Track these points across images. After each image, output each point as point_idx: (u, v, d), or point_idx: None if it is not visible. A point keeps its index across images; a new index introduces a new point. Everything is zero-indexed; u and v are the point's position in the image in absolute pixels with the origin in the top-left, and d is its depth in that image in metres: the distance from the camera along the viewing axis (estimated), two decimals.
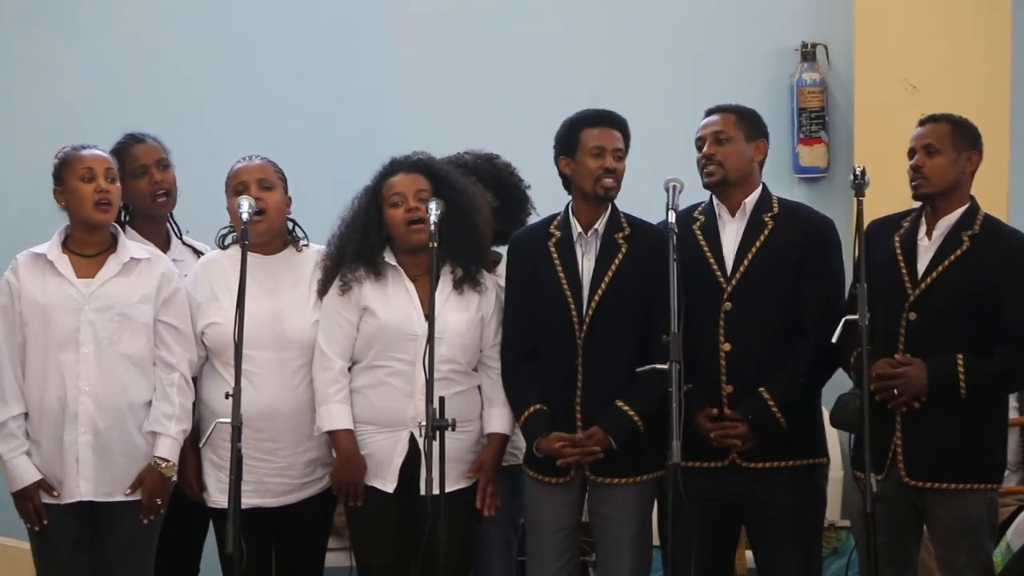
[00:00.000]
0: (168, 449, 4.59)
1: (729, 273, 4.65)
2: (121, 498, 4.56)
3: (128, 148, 4.97)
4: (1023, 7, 6.38)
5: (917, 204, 4.72)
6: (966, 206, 4.65)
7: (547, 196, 4.84)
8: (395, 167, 4.72)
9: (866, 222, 4.57)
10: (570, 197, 4.76)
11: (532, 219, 5.04)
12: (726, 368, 4.62)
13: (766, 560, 4.72)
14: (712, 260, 4.66)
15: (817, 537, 4.83)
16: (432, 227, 4.46)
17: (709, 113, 4.77)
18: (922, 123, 4.70)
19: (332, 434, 4.64)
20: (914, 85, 6.27)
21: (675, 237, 4.40)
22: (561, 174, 4.74)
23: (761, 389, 4.59)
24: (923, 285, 4.59)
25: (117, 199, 4.64)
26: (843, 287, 4.72)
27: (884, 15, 6.38)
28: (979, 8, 6.35)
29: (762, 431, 4.58)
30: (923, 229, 4.66)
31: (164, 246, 4.97)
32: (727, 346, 4.62)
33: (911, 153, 4.66)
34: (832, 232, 4.73)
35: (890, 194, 4.74)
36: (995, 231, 4.64)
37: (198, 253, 5.07)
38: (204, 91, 6.56)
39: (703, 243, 4.68)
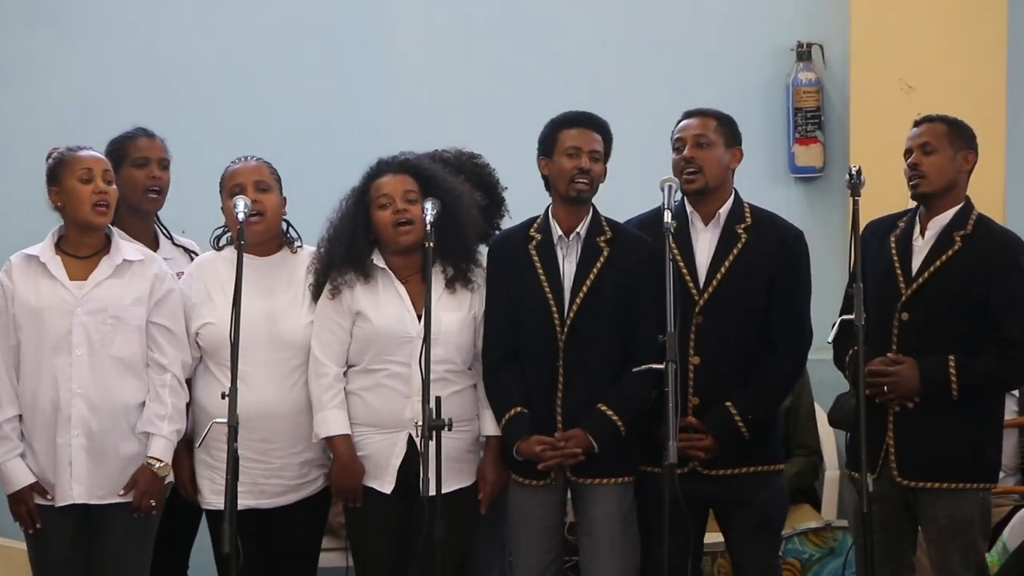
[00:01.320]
0: (162, 449, 4.58)
1: (702, 286, 4.64)
2: (115, 500, 4.55)
3: (136, 139, 4.98)
4: (1019, 7, 6.39)
5: (913, 204, 4.73)
6: (960, 205, 4.65)
7: (544, 197, 4.83)
8: (382, 168, 4.69)
9: (862, 221, 4.56)
10: (550, 199, 4.74)
11: (506, 222, 5.02)
12: (694, 380, 4.61)
13: (737, 550, 4.77)
14: (685, 272, 4.64)
15: (778, 534, 4.88)
16: (428, 227, 4.46)
17: (688, 115, 4.74)
18: (918, 123, 4.71)
19: (330, 440, 4.63)
20: (910, 85, 6.27)
21: (670, 237, 4.38)
22: (542, 175, 4.73)
23: (728, 404, 4.59)
24: (915, 285, 4.60)
25: (114, 201, 4.62)
26: (809, 298, 4.71)
27: (880, 15, 6.38)
28: (975, 8, 6.35)
29: (726, 444, 4.59)
30: (917, 229, 4.67)
31: (151, 246, 4.94)
32: (696, 359, 4.61)
33: (907, 153, 4.67)
34: (802, 243, 4.72)
35: (886, 194, 4.75)
36: (987, 231, 4.64)
37: (190, 253, 5.07)
38: (200, 90, 6.55)
39: (676, 254, 4.61)
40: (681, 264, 4.62)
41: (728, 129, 4.72)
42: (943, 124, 4.67)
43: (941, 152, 4.63)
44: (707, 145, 4.66)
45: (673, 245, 4.57)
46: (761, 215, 4.74)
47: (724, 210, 4.68)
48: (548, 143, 4.68)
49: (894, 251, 4.66)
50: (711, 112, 4.74)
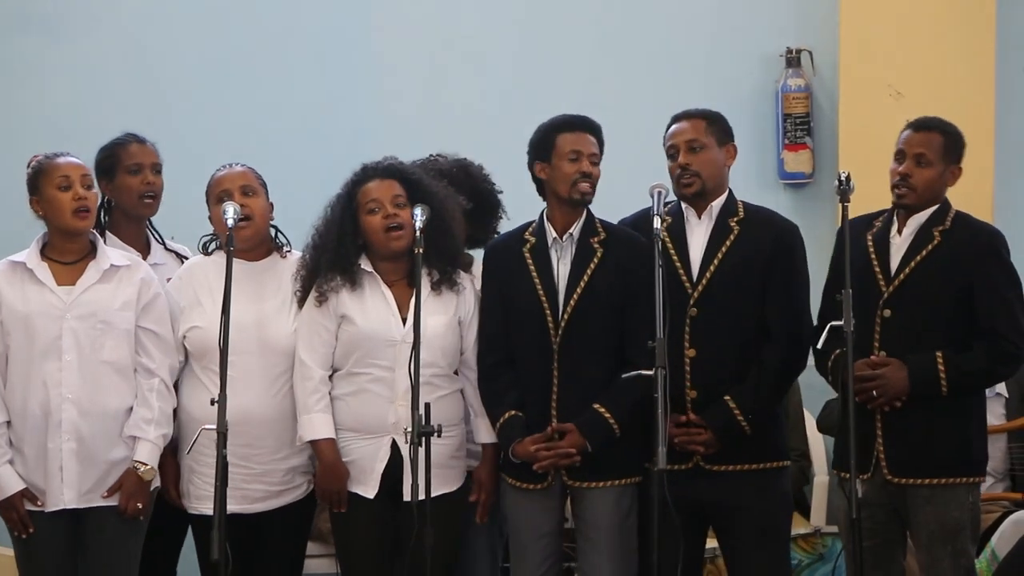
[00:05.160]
0: (147, 453, 4.58)
1: (695, 279, 4.64)
2: (104, 504, 4.54)
3: (128, 145, 4.99)
4: (1007, 13, 6.40)
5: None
6: (938, 204, 4.65)
7: (535, 199, 4.82)
8: (368, 174, 4.69)
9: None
10: (544, 203, 4.74)
11: (504, 224, 5.02)
12: (690, 373, 4.61)
13: (734, 562, 4.73)
14: (679, 265, 4.65)
15: (785, 540, 4.83)
16: (418, 233, 4.46)
17: (677, 119, 4.73)
18: (916, 128, 4.67)
19: (314, 443, 4.63)
20: (899, 91, 6.28)
21: (660, 243, 4.39)
22: (536, 179, 4.73)
23: (727, 398, 4.59)
24: (896, 282, 4.60)
25: (95, 205, 4.63)
26: (808, 291, 4.72)
27: (869, 21, 6.39)
28: (963, 14, 6.37)
29: (727, 439, 4.58)
30: (895, 227, 4.67)
31: (144, 251, 4.96)
32: (692, 352, 4.60)
33: (899, 155, 4.64)
34: (797, 237, 4.72)
35: (875, 199, 4.74)
36: (966, 226, 4.64)
37: (181, 258, 5.06)
38: (189, 96, 6.56)
39: (670, 247, 4.65)
40: (675, 257, 4.63)
41: (718, 127, 4.71)
42: (940, 135, 4.63)
43: (935, 166, 4.60)
44: (700, 148, 4.65)
45: (667, 240, 4.60)
46: (754, 209, 4.75)
47: (717, 204, 4.68)
48: (544, 147, 4.68)
49: (871, 249, 4.66)
50: (699, 113, 4.73)
